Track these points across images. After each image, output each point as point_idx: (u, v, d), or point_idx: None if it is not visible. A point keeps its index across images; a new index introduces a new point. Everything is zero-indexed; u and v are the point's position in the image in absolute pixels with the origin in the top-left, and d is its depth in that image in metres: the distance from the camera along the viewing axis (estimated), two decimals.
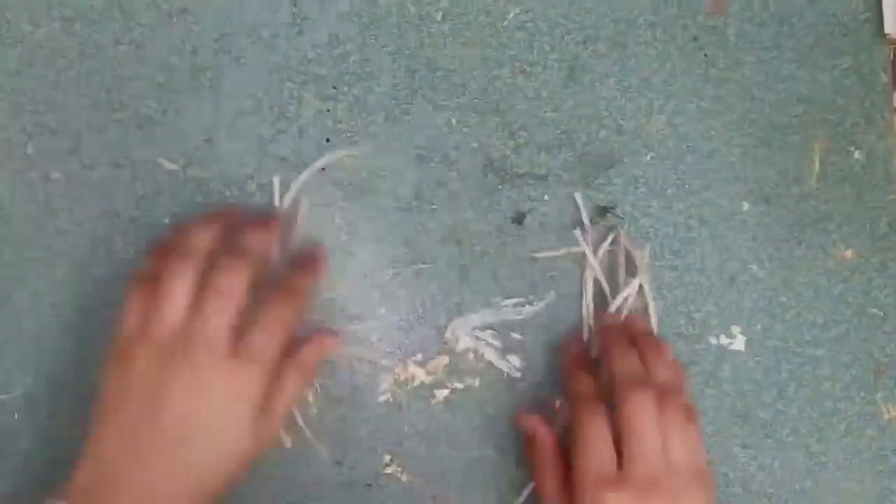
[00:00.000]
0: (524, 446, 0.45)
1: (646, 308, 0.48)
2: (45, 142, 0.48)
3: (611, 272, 0.49)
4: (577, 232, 0.48)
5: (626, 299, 0.48)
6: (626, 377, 0.40)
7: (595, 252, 0.48)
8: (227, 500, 0.45)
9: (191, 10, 0.49)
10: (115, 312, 0.46)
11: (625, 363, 0.42)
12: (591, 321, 0.48)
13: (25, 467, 0.46)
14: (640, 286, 0.48)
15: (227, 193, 0.48)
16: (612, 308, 0.48)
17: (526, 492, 0.46)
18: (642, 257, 0.48)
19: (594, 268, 0.48)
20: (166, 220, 0.47)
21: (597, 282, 0.48)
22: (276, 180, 0.48)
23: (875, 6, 0.52)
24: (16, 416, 0.46)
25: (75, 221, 0.47)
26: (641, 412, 0.39)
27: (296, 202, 0.48)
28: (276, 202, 0.47)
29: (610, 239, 0.49)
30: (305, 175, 0.48)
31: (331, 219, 0.48)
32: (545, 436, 0.43)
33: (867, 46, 0.51)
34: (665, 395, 0.40)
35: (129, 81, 0.48)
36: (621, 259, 0.48)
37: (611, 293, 0.48)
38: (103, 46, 0.48)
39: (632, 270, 0.48)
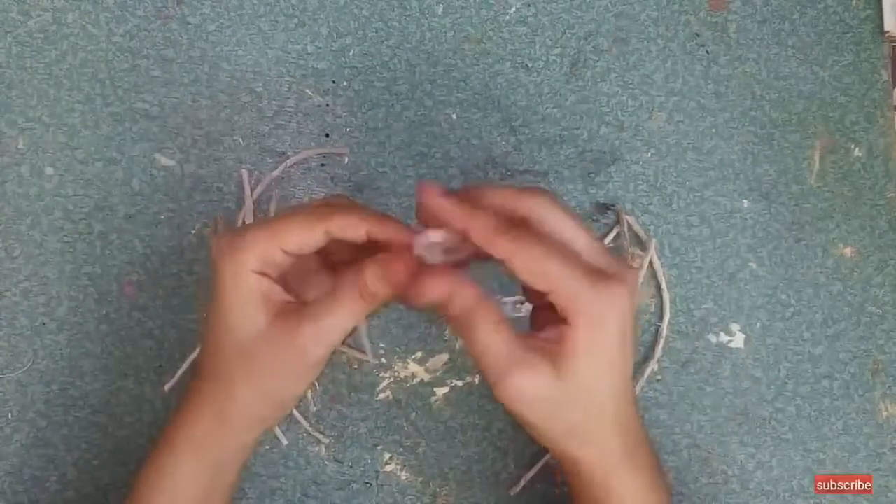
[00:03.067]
0: (446, 320, 0.37)
1: (658, 288, 0.49)
2: (38, 136, 0.47)
3: None
4: None
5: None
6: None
7: None
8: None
9: (187, 2, 0.48)
10: (110, 309, 0.46)
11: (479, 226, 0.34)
12: None
13: (21, 462, 0.45)
14: (651, 263, 0.48)
15: (225, 189, 0.47)
16: None
17: (524, 481, 0.47)
18: (649, 245, 0.48)
19: None
20: (162, 217, 0.47)
21: None
22: (245, 173, 0.47)
23: (875, 4, 0.52)
24: (9, 408, 0.45)
25: (69, 218, 0.46)
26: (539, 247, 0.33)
27: (268, 196, 0.47)
28: (248, 195, 0.47)
29: (612, 234, 0.48)
30: (278, 171, 0.47)
31: None
32: (466, 288, 0.35)
33: (867, 44, 0.51)
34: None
35: (123, 75, 0.47)
36: (625, 243, 0.48)
37: None
38: (97, 38, 0.47)
39: (640, 248, 0.48)
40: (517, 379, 0.34)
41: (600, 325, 0.33)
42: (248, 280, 0.35)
